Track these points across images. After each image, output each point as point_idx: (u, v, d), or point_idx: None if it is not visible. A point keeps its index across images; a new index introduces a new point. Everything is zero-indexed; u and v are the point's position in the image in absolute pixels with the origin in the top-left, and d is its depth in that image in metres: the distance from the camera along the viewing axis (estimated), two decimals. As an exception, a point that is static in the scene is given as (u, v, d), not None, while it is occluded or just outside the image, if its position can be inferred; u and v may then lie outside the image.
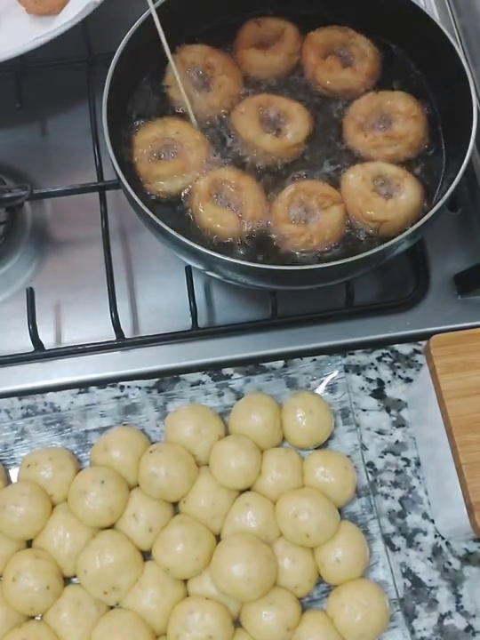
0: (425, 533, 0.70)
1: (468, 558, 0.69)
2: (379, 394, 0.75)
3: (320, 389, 0.74)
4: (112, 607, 0.66)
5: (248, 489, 0.69)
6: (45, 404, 0.75)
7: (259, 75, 0.77)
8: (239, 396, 0.74)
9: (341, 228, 0.70)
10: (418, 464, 0.73)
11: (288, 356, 0.77)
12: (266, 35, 0.78)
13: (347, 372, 0.76)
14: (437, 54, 0.73)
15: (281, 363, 0.76)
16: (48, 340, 0.77)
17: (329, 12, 0.79)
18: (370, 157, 0.74)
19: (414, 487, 0.72)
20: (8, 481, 0.71)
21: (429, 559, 0.69)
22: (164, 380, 0.76)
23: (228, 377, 0.76)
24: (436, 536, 0.70)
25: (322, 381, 0.74)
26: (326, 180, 0.73)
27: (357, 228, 0.71)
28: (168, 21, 0.70)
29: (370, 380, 0.76)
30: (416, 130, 0.74)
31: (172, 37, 0.72)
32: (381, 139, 0.73)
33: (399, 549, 0.70)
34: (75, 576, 0.66)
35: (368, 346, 0.78)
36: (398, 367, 0.77)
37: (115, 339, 0.77)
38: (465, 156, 0.67)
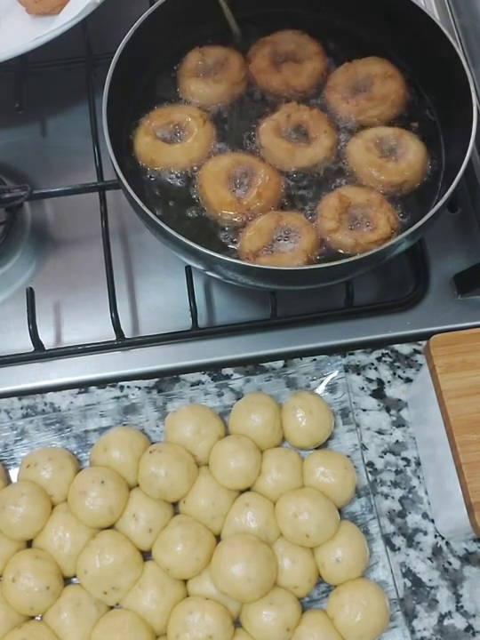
0: (425, 533, 0.70)
1: (468, 558, 0.69)
2: (379, 394, 0.75)
3: (320, 389, 0.74)
4: (112, 607, 0.66)
5: (248, 489, 0.69)
6: (45, 404, 0.75)
7: (205, 102, 0.77)
8: (239, 396, 0.74)
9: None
10: (418, 464, 0.73)
11: (288, 356, 0.77)
12: (209, 63, 0.78)
13: (347, 372, 0.76)
14: (437, 55, 0.73)
15: (281, 363, 0.76)
16: (48, 340, 0.77)
17: (328, 15, 0.79)
18: (357, 122, 0.75)
19: (414, 487, 0.72)
20: (8, 481, 0.71)
21: (429, 559, 0.69)
22: (164, 380, 0.76)
23: (228, 377, 0.76)
24: (436, 536, 0.70)
25: (322, 381, 0.74)
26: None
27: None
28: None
29: (370, 380, 0.76)
30: (396, 87, 0.75)
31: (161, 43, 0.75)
32: (364, 102, 0.75)
33: (399, 549, 0.70)
34: (75, 576, 0.66)
35: (368, 346, 0.78)
36: (398, 367, 0.77)
37: (115, 339, 0.77)
38: (465, 156, 0.67)
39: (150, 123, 0.74)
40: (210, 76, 0.77)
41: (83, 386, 0.76)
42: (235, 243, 0.71)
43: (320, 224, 0.71)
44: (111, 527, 0.67)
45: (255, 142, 0.75)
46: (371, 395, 0.75)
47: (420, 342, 0.78)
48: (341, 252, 0.70)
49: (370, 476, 0.72)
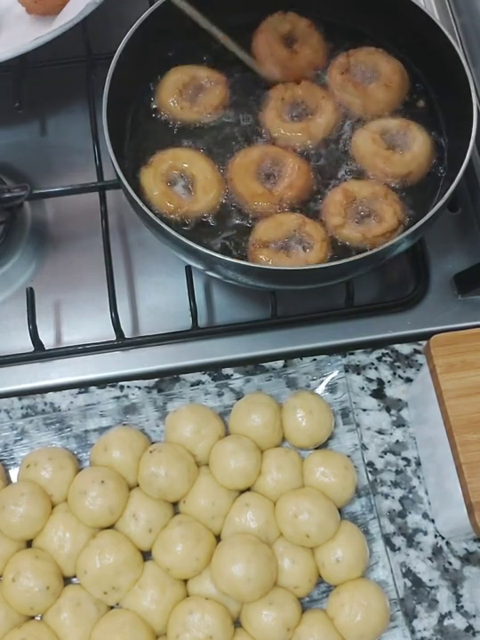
0: (425, 533, 0.70)
1: (468, 558, 0.69)
2: (379, 394, 0.75)
3: (320, 389, 0.74)
4: (112, 607, 0.66)
5: (248, 489, 0.69)
6: (45, 404, 0.75)
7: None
8: (239, 396, 0.74)
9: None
10: (418, 464, 0.72)
11: (288, 356, 0.77)
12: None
13: (347, 371, 0.76)
14: (437, 54, 0.73)
15: (281, 363, 0.76)
16: (48, 340, 0.77)
17: (330, 16, 0.79)
18: (332, 94, 0.76)
19: (414, 487, 0.72)
20: (8, 481, 0.71)
21: (429, 559, 0.69)
22: (164, 380, 0.76)
23: (228, 377, 0.76)
24: (436, 536, 0.70)
25: (322, 381, 0.74)
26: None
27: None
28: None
29: (370, 380, 0.76)
30: (380, 97, 0.75)
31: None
32: (350, 85, 0.75)
33: (399, 549, 0.70)
34: (75, 576, 0.66)
35: (368, 346, 0.78)
36: (398, 367, 0.77)
37: (115, 339, 0.77)
38: (465, 156, 0.67)
39: (156, 170, 0.72)
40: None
41: (83, 386, 0.76)
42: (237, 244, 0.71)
43: (326, 220, 0.71)
44: (111, 527, 0.67)
45: (265, 136, 0.75)
46: (371, 395, 0.75)
47: (420, 342, 0.78)
48: (347, 246, 0.70)
49: (370, 475, 0.72)
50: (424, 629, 0.67)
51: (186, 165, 0.72)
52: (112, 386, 0.75)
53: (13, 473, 0.71)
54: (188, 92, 0.76)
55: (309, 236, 0.69)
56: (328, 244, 0.70)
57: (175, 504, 0.69)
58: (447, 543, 0.70)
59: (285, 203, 0.71)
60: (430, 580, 0.69)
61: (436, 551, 0.70)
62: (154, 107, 0.77)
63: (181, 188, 0.72)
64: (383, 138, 0.73)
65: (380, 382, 0.76)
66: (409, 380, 0.76)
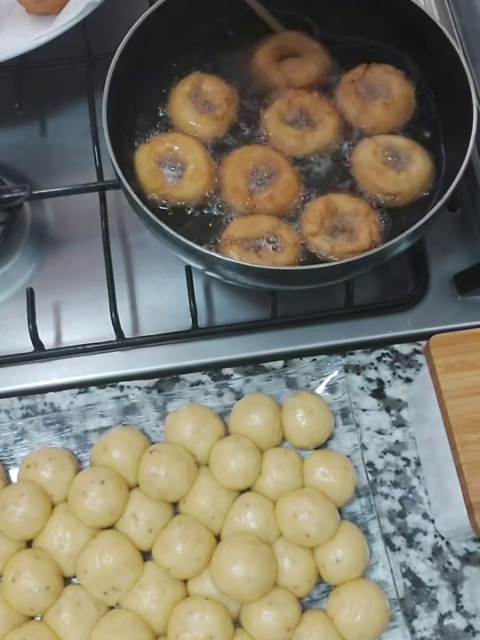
0: (425, 533, 0.70)
1: (468, 558, 0.69)
2: (379, 394, 0.75)
3: (320, 389, 0.74)
4: (112, 607, 0.66)
5: (248, 489, 0.69)
6: (45, 404, 0.75)
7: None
8: (239, 396, 0.74)
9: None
10: (418, 464, 0.73)
11: (288, 356, 0.77)
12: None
13: (347, 371, 0.76)
14: (437, 54, 0.73)
15: (281, 363, 0.76)
16: (48, 340, 0.77)
17: (329, 15, 0.79)
18: (335, 99, 0.76)
19: (414, 487, 0.72)
20: (8, 481, 0.71)
21: (429, 559, 0.69)
22: (164, 380, 0.76)
23: (228, 377, 0.76)
24: (435, 536, 0.70)
25: (322, 381, 0.74)
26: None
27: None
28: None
29: (370, 380, 0.76)
30: (376, 115, 0.75)
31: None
32: (353, 94, 0.75)
33: (399, 549, 0.70)
34: (75, 576, 0.66)
35: (368, 346, 0.78)
36: (398, 367, 0.77)
37: (115, 339, 0.77)
38: (465, 156, 0.67)
39: (152, 148, 0.73)
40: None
41: (83, 386, 0.76)
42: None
43: (302, 225, 0.71)
44: (111, 527, 0.67)
45: (262, 134, 0.75)
46: (371, 395, 0.75)
47: (420, 342, 0.78)
48: (319, 257, 0.70)
49: (370, 476, 0.72)
50: (424, 629, 0.67)
51: (182, 151, 0.73)
52: (112, 386, 0.75)
53: (13, 473, 0.71)
54: (201, 107, 0.75)
55: (282, 239, 0.70)
56: (299, 249, 0.70)
57: (175, 504, 0.69)
58: (447, 543, 0.70)
59: (260, 210, 0.71)
60: (430, 580, 0.69)
61: (436, 551, 0.70)
62: (160, 110, 0.77)
63: (171, 171, 0.73)
64: (385, 153, 0.73)
65: (380, 382, 0.76)
66: (409, 380, 0.76)
